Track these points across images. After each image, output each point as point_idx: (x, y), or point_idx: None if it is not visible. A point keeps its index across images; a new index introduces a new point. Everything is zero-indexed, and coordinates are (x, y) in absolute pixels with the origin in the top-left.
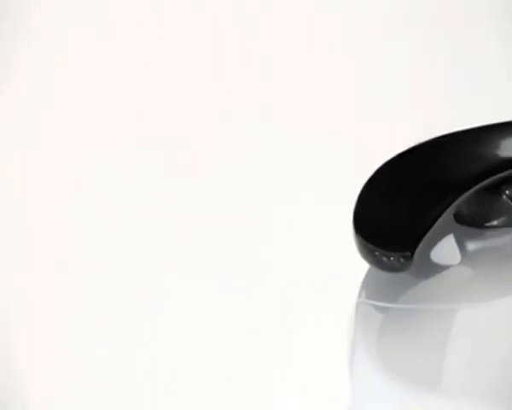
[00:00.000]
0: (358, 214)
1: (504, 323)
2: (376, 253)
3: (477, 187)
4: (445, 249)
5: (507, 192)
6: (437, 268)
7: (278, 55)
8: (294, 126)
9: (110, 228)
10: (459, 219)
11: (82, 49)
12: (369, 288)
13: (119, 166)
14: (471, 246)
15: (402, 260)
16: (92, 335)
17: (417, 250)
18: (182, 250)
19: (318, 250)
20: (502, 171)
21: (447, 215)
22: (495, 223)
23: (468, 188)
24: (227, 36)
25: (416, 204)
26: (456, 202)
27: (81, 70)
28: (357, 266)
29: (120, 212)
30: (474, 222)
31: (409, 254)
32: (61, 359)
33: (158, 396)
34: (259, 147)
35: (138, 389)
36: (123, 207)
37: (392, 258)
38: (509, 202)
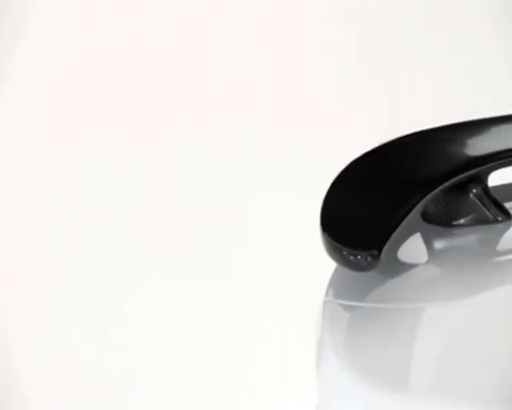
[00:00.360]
0: (325, 214)
1: (472, 321)
2: (343, 252)
3: (444, 186)
4: (413, 248)
5: (474, 191)
6: (404, 267)
7: (251, 58)
8: (260, 128)
9: (96, 230)
10: (426, 217)
11: (81, 50)
12: (337, 287)
13: (113, 165)
14: (438, 245)
15: (369, 258)
16: (91, 335)
17: (384, 249)
18: (164, 251)
19: (285, 249)
20: (468, 169)
21: (414, 214)
22: (462, 222)
23: (436, 187)
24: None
25: (382, 203)
26: (424, 201)
27: (80, 70)
28: (324, 264)
29: (114, 211)
30: (441, 221)
31: (376, 252)
32: (61, 359)
33: (157, 396)
34: (226, 150)
35: (136, 388)
36: (117, 205)
37: (359, 257)
38: (477, 200)
